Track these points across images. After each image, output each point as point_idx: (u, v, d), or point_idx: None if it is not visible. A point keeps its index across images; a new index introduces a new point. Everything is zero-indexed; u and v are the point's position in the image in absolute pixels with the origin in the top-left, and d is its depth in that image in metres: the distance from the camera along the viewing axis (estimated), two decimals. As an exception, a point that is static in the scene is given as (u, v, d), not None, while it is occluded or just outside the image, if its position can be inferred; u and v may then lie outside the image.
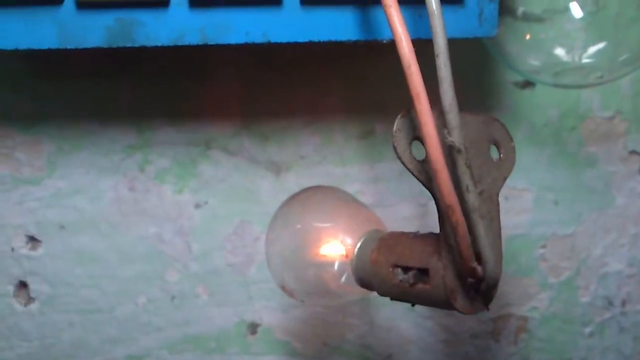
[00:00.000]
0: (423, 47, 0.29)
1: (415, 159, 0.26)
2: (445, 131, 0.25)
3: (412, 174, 0.26)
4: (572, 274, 0.47)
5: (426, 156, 0.25)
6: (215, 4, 0.33)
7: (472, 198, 0.25)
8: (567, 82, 0.38)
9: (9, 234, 0.44)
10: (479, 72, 0.43)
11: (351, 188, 0.44)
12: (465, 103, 0.43)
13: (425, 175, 0.26)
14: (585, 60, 0.39)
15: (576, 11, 0.39)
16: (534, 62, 0.39)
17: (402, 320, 0.47)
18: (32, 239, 0.45)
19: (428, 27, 0.27)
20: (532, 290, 0.47)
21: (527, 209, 0.46)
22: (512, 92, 0.44)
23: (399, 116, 0.27)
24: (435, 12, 0.25)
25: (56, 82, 0.42)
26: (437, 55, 0.25)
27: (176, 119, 0.43)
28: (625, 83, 0.45)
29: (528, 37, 0.39)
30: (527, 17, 0.39)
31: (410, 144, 0.26)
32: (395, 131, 0.26)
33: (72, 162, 0.44)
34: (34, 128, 0.43)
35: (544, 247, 0.47)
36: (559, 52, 0.39)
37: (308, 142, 0.44)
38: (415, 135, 0.27)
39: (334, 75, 0.42)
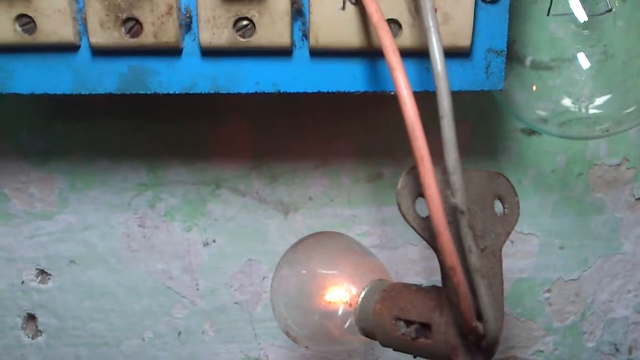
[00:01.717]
0: (431, 96, 0.29)
1: (419, 216, 0.27)
2: (449, 192, 0.25)
3: (416, 231, 0.26)
4: (577, 318, 0.47)
5: (429, 216, 0.25)
6: (227, 54, 0.33)
7: (474, 259, 0.25)
8: (573, 133, 0.39)
9: (19, 267, 0.45)
10: (486, 118, 0.43)
11: (358, 230, 0.45)
12: (472, 149, 0.44)
13: (428, 233, 0.27)
14: (592, 111, 0.39)
15: (583, 60, 0.39)
16: (541, 111, 0.39)
17: (407, 362, 0.47)
18: (42, 272, 0.45)
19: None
20: (537, 334, 0.47)
21: (533, 253, 0.46)
22: (519, 138, 0.44)
23: (404, 173, 0.27)
24: (440, 73, 0.26)
25: (71, 121, 0.43)
26: (441, 117, 0.26)
27: (187, 158, 0.44)
28: (633, 131, 0.45)
29: (535, 86, 0.40)
30: (535, 66, 0.40)
31: (414, 201, 0.27)
32: (400, 188, 0.26)
33: (83, 199, 0.44)
34: (47, 165, 0.44)
35: (549, 291, 0.47)
36: (566, 101, 0.39)
37: (317, 183, 0.44)
38: (420, 192, 0.27)
39: (344, 119, 0.43)
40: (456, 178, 0.25)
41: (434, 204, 0.24)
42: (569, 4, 0.38)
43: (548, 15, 0.38)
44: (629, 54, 0.39)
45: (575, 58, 0.39)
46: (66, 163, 0.44)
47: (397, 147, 0.44)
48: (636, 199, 0.46)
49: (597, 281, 0.47)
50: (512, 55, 0.40)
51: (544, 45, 0.40)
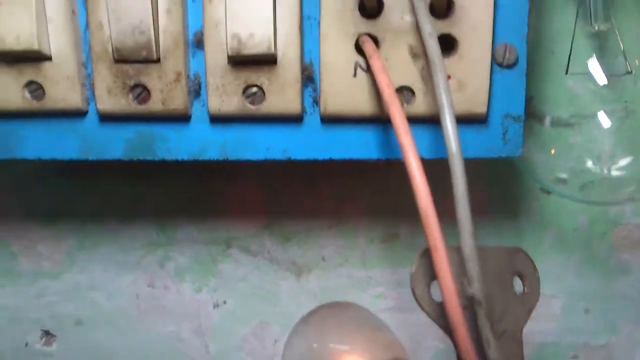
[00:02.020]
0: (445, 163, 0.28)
1: (434, 301, 0.26)
2: (465, 280, 0.24)
3: (431, 318, 0.25)
4: (605, 384, 0.45)
5: (444, 305, 0.24)
6: (236, 121, 0.33)
7: (492, 353, 0.24)
8: (596, 197, 0.37)
9: (24, 328, 0.44)
10: (504, 176, 0.42)
11: (373, 292, 0.43)
12: (490, 209, 0.42)
13: (444, 319, 0.25)
14: (615, 173, 0.37)
15: (604, 118, 0.38)
16: (560, 172, 0.38)
17: None
18: (47, 334, 0.44)
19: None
20: (563, 401, 0.45)
21: (556, 316, 0.44)
22: (539, 197, 0.43)
23: (418, 255, 0.26)
24: (455, 154, 0.25)
25: (80, 180, 0.43)
26: (456, 201, 0.24)
27: (198, 217, 0.43)
28: (658, 189, 0.44)
29: (554, 144, 0.38)
30: (554, 123, 0.39)
31: (429, 284, 0.26)
32: (413, 272, 0.25)
33: (92, 258, 0.44)
34: (56, 223, 0.43)
35: (575, 357, 0.45)
36: (587, 160, 0.38)
37: (331, 244, 0.43)
38: (434, 275, 0.26)
39: (358, 180, 0.42)
40: (472, 266, 0.24)
41: (450, 298, 0.22)
42: (587, 64, 0.36)
43: (566, 73, 0.37)
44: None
45: (595, 116, 0.38)
46: (75, 221, 0.43)
47: (413, 207, 0.42)
48: (663, 260, 0.44)
49: (628, 348, 0.44)
50: (530, 113, 0.39)
51: (562, 102, 0.39)
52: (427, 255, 0.26)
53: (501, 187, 0.42)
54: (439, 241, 0.23)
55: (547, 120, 0.39)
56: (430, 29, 0.27)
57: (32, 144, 0.34)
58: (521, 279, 0.29)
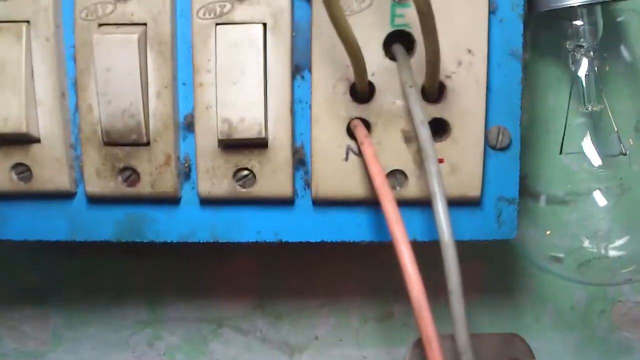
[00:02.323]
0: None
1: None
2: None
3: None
4: None
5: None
6: (227, 204, 0.32)
7: None
8: (594, 276, 0.36)
9: (5, 414, 0.43)
10: (500, 253, 0.42)
11: (367, 372, 0.42)
12: (486, 287, 0.42)
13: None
14: (612, 252, 0.37)
15: (599, 197, 0.38)
16: (556, 252, 0.37)
17: None
18: (28, 420, 0.43)
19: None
20: None
21: (556, 398, 0.43)
22: (536, 273, 0.42)
23: (411, 346, 0.25)
24: (448, 244, 0.24)
25: (68, 257, 0.42)
26: (450, 292, 0.24)
27: (188, 295, 0.42)
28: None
29: (550, 224, 0.38)
30: (550, 201, 0.38)
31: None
32: (406, 366, 0.24)
33: (79, 337, 0.42)
34: (43, 301, 0.42)
35: None
36: (583, 239, 0.37)
37: (324, 323, 0.42)
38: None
39: (351, 257, 0.41)
40: (467, 358, 0.23)
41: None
42: (581, 144, 0.36)
43: (560, 153, 0.37)
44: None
45: (590, 193, 0.38)
46: (62, 299, 0.42)
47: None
48: (665, 338, 0.43)
49: None
50: (524, 191, 0.38)
51: (557, 180, 0.38)
52: (420, 345, 0.25)
53: (497, 264, 0.42)
54: (432, 334, 0.22)
55: (542, 199, 0.38)
56: (422, 116, 0.27)
57: (19, 225, 0.33)
58: (518, 369, 0.28)
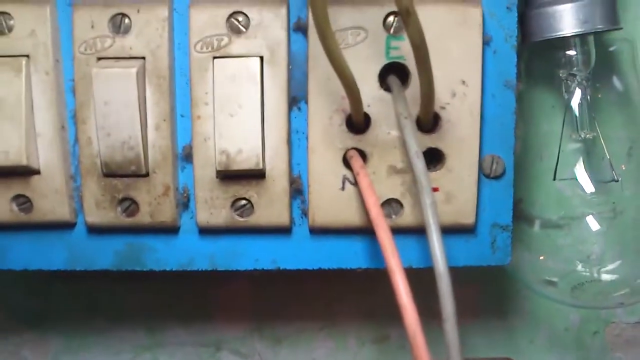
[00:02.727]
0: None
1: None
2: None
3: None
4: None
5: None
6: (225, 233, 0.33)
7: None
8: (586, 300, 0.37)
9: None
10: (495, 275, 0.42)
11: (365, 395, 0.42)
12: (481, 310, 0.42)
13: None
14: (605, 276, 0.37)
15: (592, 220, 0.38)
16: (550, 275, 0.38)
17: None
18: None
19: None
20: None
21: (551, 418, 0.43)
22: (530, 296, 0.42)
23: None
24: (442, 273, 0.25)
25: (67, 282, 0.42)
26: (444, 320, 0.24)
27: (186, 319, 0.42)
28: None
29: (544, 248, 0.38)
30: (544, 225, 0.39)
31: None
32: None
33: (78, 361, 0.43)
34: (42, 325, 0.43)
35: None
36: (576, 262, 0.38)
37: (321, 346, 0.42)
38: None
39: (348, 281, 0.42)
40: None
41: None
42: (574, 171, 0.37)
43: (554, 179, 0.37)
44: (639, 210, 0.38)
45: (583, 217, 0.38)
46: (62, 324, 0.43)
47: (404, 308, 0.42)
48: (659, 358, 0.44)
49: None
50: (518, 215, 0.39)
51: (551, 204, 0.39)
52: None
53: (491, 286, 0.42)
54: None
55: (537, 223, 0.39)
56: (417, 147, 0.27)
57: (19, 255, 0.34)
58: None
